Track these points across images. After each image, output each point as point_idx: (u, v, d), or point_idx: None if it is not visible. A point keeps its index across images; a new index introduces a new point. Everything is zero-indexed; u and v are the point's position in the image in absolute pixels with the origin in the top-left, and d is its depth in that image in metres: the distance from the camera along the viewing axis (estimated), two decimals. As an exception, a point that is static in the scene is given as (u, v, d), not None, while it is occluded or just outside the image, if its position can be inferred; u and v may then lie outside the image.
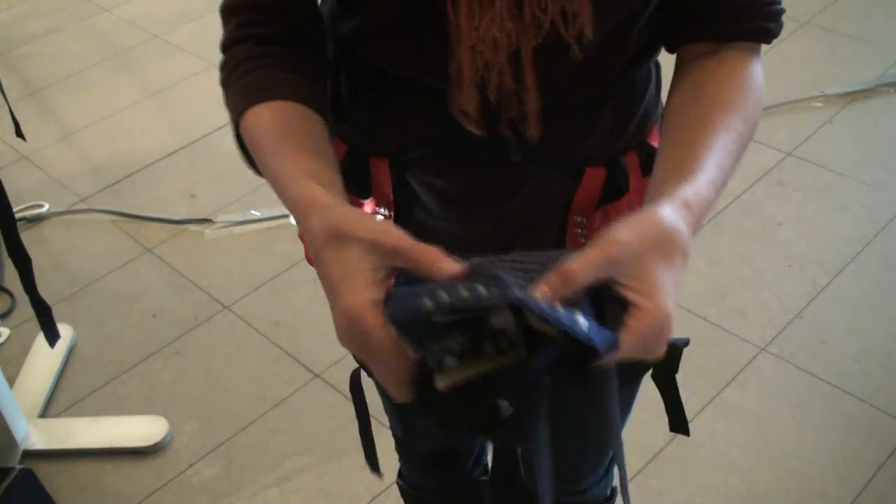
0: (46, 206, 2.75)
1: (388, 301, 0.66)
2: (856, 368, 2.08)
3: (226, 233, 2.62)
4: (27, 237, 2.65)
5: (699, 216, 0.73)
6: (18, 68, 3.46)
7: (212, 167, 2.86)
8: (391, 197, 0.95)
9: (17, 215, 2.72)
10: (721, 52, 0.84)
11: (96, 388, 2.21)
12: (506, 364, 0.63)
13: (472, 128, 0.83)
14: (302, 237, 0.91)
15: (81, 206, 2.76)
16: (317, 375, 2.18)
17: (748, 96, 0.81)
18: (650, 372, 0.90)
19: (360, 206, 0.98)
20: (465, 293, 0.61)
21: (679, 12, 0.84)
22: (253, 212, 2.66)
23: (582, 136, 0.90)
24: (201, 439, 2.07)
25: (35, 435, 2.08)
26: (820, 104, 2.86)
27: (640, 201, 0.98)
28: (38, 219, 2.73)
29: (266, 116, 0.82)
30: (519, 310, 0.63)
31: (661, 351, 0.67)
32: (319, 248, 0.70)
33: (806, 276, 2.31)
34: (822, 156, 2.66)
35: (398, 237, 0.68)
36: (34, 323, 1.76)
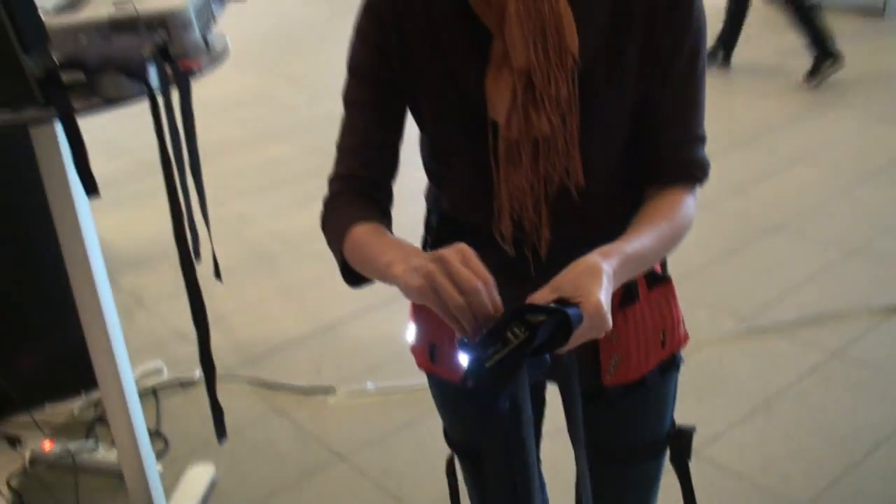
0: (198, 373, 3.28)
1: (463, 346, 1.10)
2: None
3: (346, 400, 3.10)
4: (183, 397, 3.19)
5: (619, 259, 1.15)
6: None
7: (336, 348, 3.38)
8: None
9: (175, 379, 3.27)
10: (665, 189, 1.33)
11: (233, 514, 2.64)
12: (521, 341, 1.06)
13: (506, 247, 1.32)
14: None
15: (227, 374, 3.28)
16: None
17: (677, 213, 1.30)
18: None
19: None
20: (511, 337, 1.06)
21: (642, 169, 1.35)
22: (368, 384, 3.15)
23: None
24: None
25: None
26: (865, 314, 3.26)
27: (651, 308, 1.44)
28: (191, 382, 3.26)
29: (365, 229, 1.29)
30: (522, 313, 1.06)
31: (605, 328, 1.08)
32: (419, 266, 1.09)
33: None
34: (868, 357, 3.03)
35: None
36: (183, 462, 2.20)
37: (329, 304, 3.68)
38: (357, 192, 1.36)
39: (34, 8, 1.80)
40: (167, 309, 3.80)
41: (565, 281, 1.10)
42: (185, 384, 3.27)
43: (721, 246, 3.76)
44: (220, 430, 2.18)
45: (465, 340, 1.10)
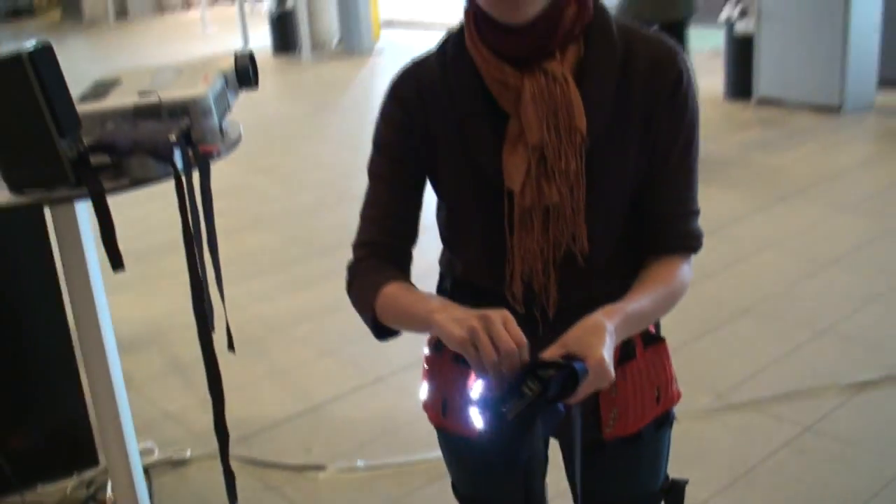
0: (189, 452, 3.34)
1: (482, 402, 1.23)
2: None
3: (336, 477, 3.18)
4: (174, 476, 3.25)
5: (621, 318, 1.31)
6: (172, 349, 4.20)
7: (325, 427, 3.46)
8: None
9: (166, 458, 3.33)
10: (662, 257, 1.49)
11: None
12: (536, 394, 1.20)
13: (517, 307, 1.45)
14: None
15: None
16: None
17: (674, 279, 1.46)
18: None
19: None
20: (527, 391, 1.19)
21: (642, 241, 1.50)
22: (359, 462, 3.23)
23: None
24: None
25: None
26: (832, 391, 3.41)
27: (646, 365, 1.58)
28: (182, 462, 3.33)
29: (398, 287, 1.44)
30: (535, 369, 1.20)
31: (608, 380, 1.22)
32: (464, 318, 1.24)
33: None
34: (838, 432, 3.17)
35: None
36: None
37: (317, 385, 3.77)
38: (381, 257, 1.50)
39: (69, 97, 1.95)
40: (156, 390, 3.88)
41: (572, 338, 1.25)
42: (177, 464, 3.33)
43: (695, 327, 3.92)
44: (233, 496, 2.26)
45: (484, 397, 1.23)
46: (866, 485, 2.89)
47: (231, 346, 2.34)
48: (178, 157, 1.99)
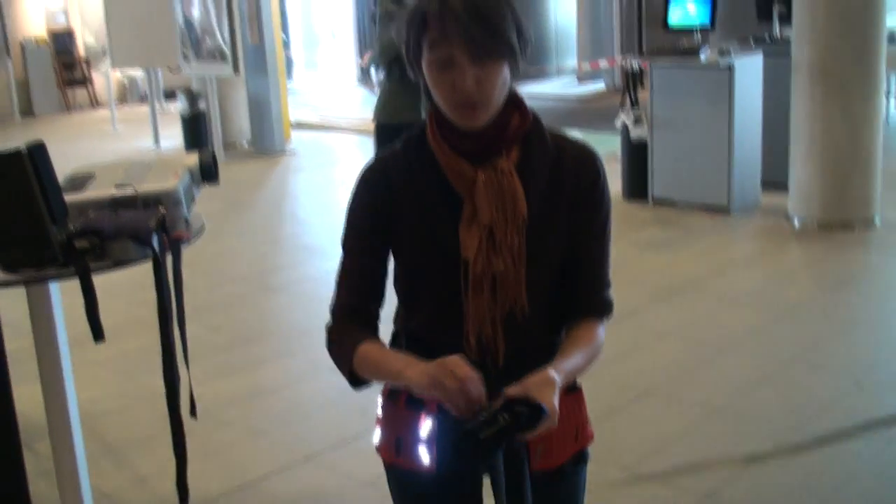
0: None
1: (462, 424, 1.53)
2: None
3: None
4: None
5: (564, 373, 1.67)
6: (99, 432, 4.31)
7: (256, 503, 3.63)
8: None
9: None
10: (583, 320, 1.83)
11: None
12: (508, 423, 1.50)
13: (471, 356, 1.74)
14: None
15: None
16: None
17: (595, 341, 1.82)
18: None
19: None
20: (502, 420, 1.50)
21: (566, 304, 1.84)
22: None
23: (530, 369, 1.79)
24: None
25: None
26: (728, 464, 3.75)
27: (567, 408, 1.87)
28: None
29: (371, 346, 1.75)
30: (511, 406, 1.51)
31: (555, 423, 1.57)
32: (426, 369, 1.57)
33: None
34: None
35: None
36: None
37: (249, 463, 3.94)
38: (354, 319, 1.80)
39: (59, 188, 2.19)
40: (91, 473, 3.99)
41: (531, 385, 1.60)
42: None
43: (603, 406, 4.23)
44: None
45: (464, 421, 1.53)
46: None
47: (193, 412, 2.55)
48: (155, 242, 2.23)
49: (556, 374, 1.62)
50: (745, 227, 7.24)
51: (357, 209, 1.83)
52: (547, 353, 1.79)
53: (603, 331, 1.85)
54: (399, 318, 1.92)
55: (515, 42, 1.70)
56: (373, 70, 8.47)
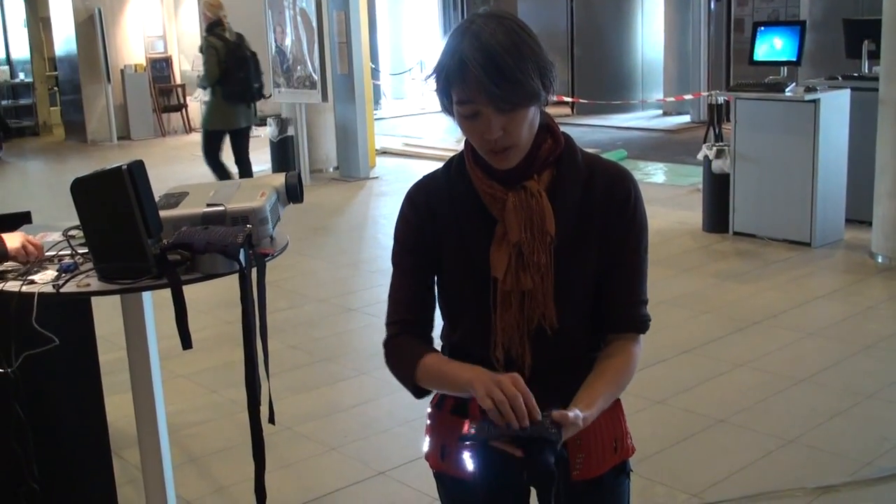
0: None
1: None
2: None
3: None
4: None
5: (592, 409, 1.77)
6: (183, 443, 4.49)
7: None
8: None
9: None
10: (616, 337, 1.91)
11: None
12: (555, 435, 1.62)
13: (499, 369, 1.84)
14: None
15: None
16: None
17: (624, 366, 1.88)
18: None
19: None
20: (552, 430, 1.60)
21: (599, 321, 1.91)
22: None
23: (560, 383, 1.89)
24: None
25: None
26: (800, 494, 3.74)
27: (605, 420, 1.94)
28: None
29: (432, 358, 1.86)
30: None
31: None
32: (492, 376, 1.68)
33: None
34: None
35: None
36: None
37: (325, 477, 4.07)
38: (410, 332, 1.91)
39: (155, 204, 2.34)
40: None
41: (569, 416, 1.72)
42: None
43: (674, 434, 4.26)
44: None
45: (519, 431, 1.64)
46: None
47: (272, 419, 2.68)
48: (242, 256, 2.37)
49: (580, 415, 1.72)
50: (826, 262, 7.17)
51: (402, 226, 1.95)
52: (584, 366, 1.89)
53: (639, 347, 1.92)
54: (444, 333, 2.03)
55: (538, 87, 1.75)
56: (200, 91, 10.65)
